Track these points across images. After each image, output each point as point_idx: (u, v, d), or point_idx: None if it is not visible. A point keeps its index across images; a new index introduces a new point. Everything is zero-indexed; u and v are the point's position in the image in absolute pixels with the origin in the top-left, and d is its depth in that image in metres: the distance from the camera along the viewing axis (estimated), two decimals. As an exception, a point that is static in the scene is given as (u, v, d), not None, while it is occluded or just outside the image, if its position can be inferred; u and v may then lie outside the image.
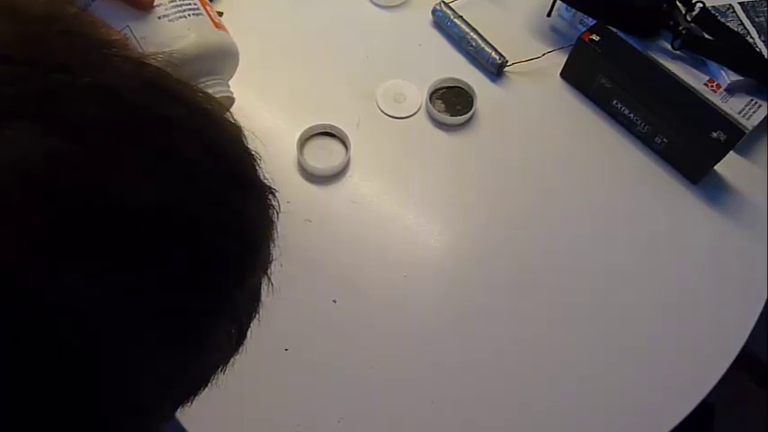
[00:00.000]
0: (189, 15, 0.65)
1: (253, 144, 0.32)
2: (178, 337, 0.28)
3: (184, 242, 0.27)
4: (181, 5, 0.65)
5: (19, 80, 0.24)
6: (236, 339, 0.34)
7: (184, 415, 0.63)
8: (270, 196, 0.33)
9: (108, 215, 0.25)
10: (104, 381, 0.26)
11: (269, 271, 0.35)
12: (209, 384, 0.34)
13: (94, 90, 0.26)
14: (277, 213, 0.34)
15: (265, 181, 0.33)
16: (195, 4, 0.66)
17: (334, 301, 0.71)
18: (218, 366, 0.34)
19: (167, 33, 0.63)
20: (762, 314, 0.72)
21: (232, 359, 0.35)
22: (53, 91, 0.25)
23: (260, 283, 0.35)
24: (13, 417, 0.25)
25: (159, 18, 0.63)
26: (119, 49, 0.28)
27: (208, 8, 0.68)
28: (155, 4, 0.62)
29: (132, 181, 0.25)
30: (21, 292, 0.23)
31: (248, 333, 0.35)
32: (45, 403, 0.25)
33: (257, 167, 0.32)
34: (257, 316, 0.35)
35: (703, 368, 0.70)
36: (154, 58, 0.29)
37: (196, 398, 0.33)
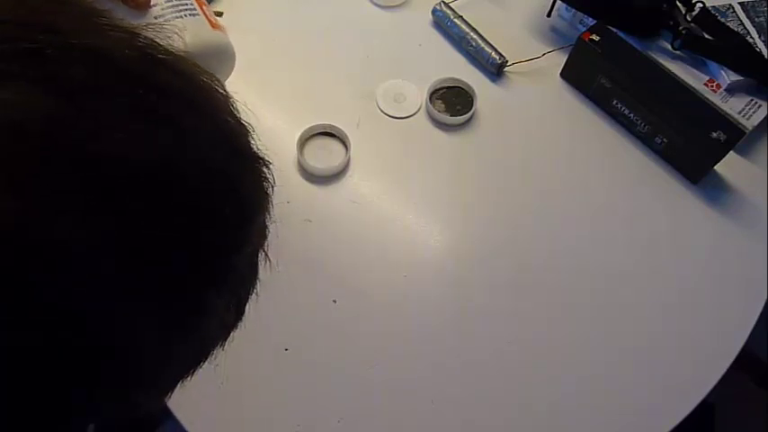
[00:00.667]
0: (185, 16, 0.65)
1: (246, 117, 0.32)
2: (177, 305, 0.28)
3: (178, 205, 0.27)
4: (177, 5, 0.65)
5: (8, 40, 0.24)
6: (235, 313, 0.34)
7: (184, 415, 0.63)
8: (264, 168, 0.33)
9: (93, 173, 0.24)
10: (98, 362, 0.26)
11: (266, 246, 0.35)
12: (209, 359, 0.33)
13: (84, 52, 0.26)
14: (272, 186, 0.33)
15: (259, 152, 0.33)
16: (191, 5, 0.66)
17: (335, 301, 0.71)
18: (218, 340, 0.34)
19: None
20: (762, 314, 0.72)
21: (231, 334, 0.34)
22: (42, 51, 0.24)
23: (257, 257, 0.34)
24: (13, 414, 0.25)
25: (156, 18, 0.63)
26: (109, 18, 0.28)
27: (204, 8, 0.68)
28: (151, 4, 0.63)
29: (123, 143, 0.25)
30: (20, 288, 0.23)
31: (246, 309, 0.35)
32: (45, 394, 0.25)
33: (250, 138, 0.32)
34: (255, 291, 0.35)
35: (703, 368, 0.70)
36: (145, 29, 0.29)
37: (195, 372, 0.33)
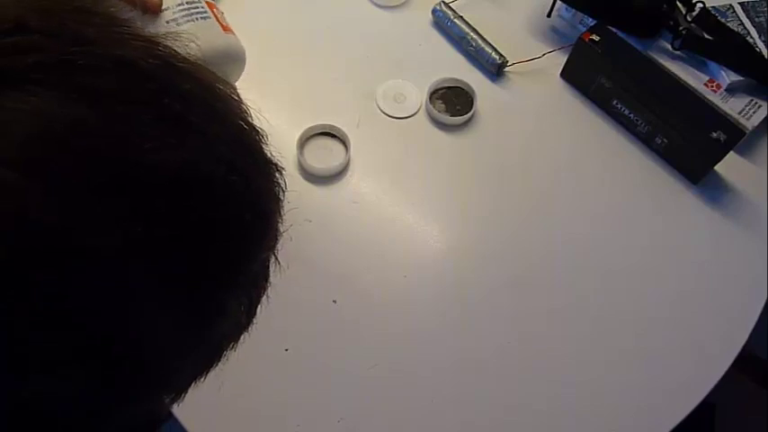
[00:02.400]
0: (197, 19, 0.65)
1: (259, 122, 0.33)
2: (191, 307, 0.29)
3: (202, 211, 0.28)
4: (189, 9, 0.64)
5: (38, 49, 0.25)
6: (247, 315, 0.35)
7: (184, 415, 0.63)
8: (277, 174, 0.34)
9: (125, 179, 0.25)
10: (118, 360, 0.27)
11: (276, 249, 0.35)
12: (222, 360, 0.34)
13: (111, 61, 0.27)
14: (283, 191, 0.34)
15: (272, 158, 0.34)
16: (203, 8, 0.66)
17: (335, 301, 0.71)
18: (231, 342, 0.34)
19: None
20: (762, 314, 0.72)
21: (243, 336, 0.35)
22: (72, 61, 0.25)
23: (269, 259, 0.35)
24: (26, 415, 0.25)
25: (167, 22, 0.63)
26: (130, 27, 0.29)
27: (215, 10, 0.68)
28: (162, 8, 0.62)
29: (149, 147, 0.26)
30: (29, 284, 0.23)
31: (258, 310, 0.35)
32: (58, 390, 0.26)
33: (264, 143, 0.33)
34: (266, 293, 0.36)
35: (703, 368, 0.70)
36: (163, 38, 0.30)
37: (209, 373, 0.34)
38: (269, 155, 0.33)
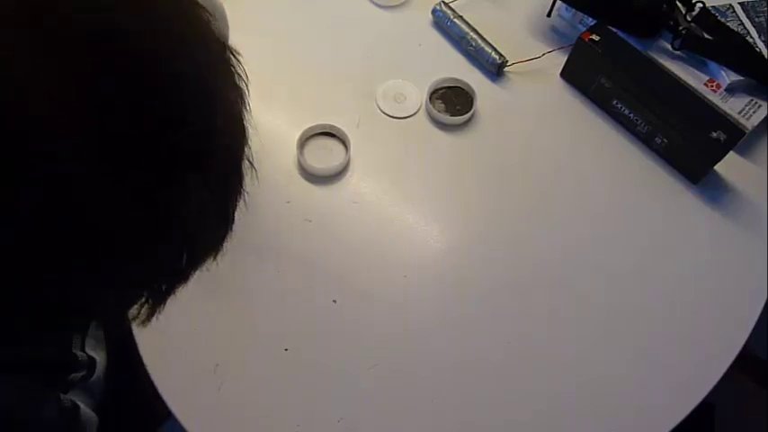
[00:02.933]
0: None
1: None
2: (143, 176, 0.28)
3: (124, 58, 0.27)
4: None
5: None
6: (223, 219, 0.34)
7: (184, 415, 0.63)
8: (230, 56, 0.33)
9: (54, 37, 0.25)
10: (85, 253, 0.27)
11: (248, 151, 0.35)
12: (200, 267, 0.33)
13: None
14: (246, 85, 0.33)
15: (225, 40, 0.33)
16: None
17: (335, 301, 0.71)
18: (207, 246, 0.33)
19: None
20: (762, 314, 0.72)
21: (224, 246, 0.34)
22: None
23: (240, 160, 0.34)
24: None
25: None
26: None
27: None
28: None
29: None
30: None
31: (235, 217, 0.35)
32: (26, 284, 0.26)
33: (209, 22, 0.32)
34: (241, 197, 0.35)
35: (703, 368, 0.70)
36: None
37: (188, 278, 0.33)
38: (215, 32, 0.32)
